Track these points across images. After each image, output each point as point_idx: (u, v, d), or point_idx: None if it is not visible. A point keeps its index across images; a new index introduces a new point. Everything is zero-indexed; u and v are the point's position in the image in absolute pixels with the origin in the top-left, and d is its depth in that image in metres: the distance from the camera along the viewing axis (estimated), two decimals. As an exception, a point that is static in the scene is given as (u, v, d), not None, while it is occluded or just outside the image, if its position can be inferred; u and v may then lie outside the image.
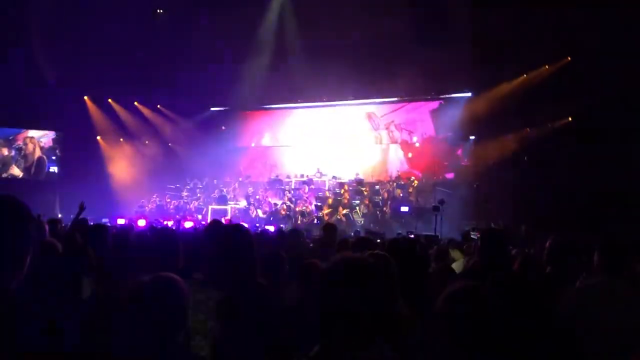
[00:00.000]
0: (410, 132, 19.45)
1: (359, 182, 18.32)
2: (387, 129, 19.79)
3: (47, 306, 2.64)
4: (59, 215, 15.60)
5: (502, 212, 13.88)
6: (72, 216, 8.29)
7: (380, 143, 19.90)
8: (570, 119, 15.16)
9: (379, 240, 7.84)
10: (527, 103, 15.50)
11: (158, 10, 18.20)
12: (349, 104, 20.34)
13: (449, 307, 1.81)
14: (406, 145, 19.49)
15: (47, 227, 5.40)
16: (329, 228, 6.56)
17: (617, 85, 13.11)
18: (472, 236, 10.78)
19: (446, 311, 1.80)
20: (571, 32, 14.01)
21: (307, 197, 18.18)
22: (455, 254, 6.71)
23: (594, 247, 3.33)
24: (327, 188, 18.89)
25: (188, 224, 12.12)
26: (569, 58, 15.25)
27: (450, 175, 18.13)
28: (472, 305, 1.78)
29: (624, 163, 12.68)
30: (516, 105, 15.63)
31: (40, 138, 21.50)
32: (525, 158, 15.68)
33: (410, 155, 19.35)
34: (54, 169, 21.40)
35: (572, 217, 12.55)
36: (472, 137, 17.74)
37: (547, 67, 15.77)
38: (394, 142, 19.69)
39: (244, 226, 2.99)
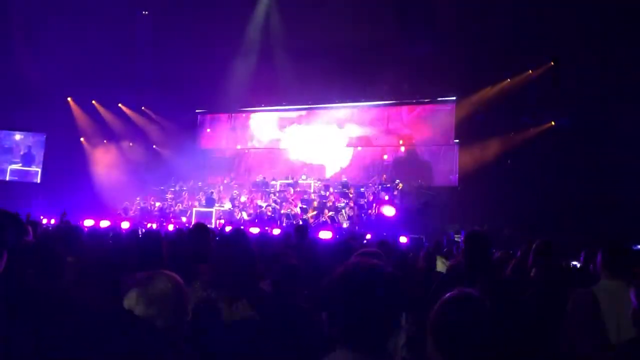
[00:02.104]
0: (396, 136, 19.54)
1: (345, 185, 18.35)
2: (372, 132, 19.84)
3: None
4: (42, 217, 15.41)
5: (486, 215, 13.99)
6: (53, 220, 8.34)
7: (366, 146, 19.95)
8: (552, 123, 15.36)
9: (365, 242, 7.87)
10: (511, 107, 15.68)
11: (143, 12, 18.13)
12: (334, 107, 20.36)
13: (444, 317, 1.70)
14: (391, 148, 19.57)
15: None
16: (300, 229, 6.52)
17: (600, 90, 13.32)
18: (455, 239, 10.89)
19: (441, 321, 1.70)
20: (554, 37, 14.21)
21: (292, 200, 18.15)
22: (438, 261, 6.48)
23: (595, 250, 3.32)
24: (312, 190, 18.88)
25: (170, 227, 12.08)
26: (552, 63, 15.47)
27: (434, 179, 18.23)
28: (468, 315, 1.68)
29: (607, 166, 12.86)
30: (500, 109, 15.80)
31: (24, 140, 21.24)
32: (509, 162, 15.84)
33: (395, 158, 19.43)
34: (37, 170, 21.12)
35: (556, 220, 12.70)
36: (456, 141, 17.89)
37: (530, 72, 15.97)
38: (379, 145, 19.76)
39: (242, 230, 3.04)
